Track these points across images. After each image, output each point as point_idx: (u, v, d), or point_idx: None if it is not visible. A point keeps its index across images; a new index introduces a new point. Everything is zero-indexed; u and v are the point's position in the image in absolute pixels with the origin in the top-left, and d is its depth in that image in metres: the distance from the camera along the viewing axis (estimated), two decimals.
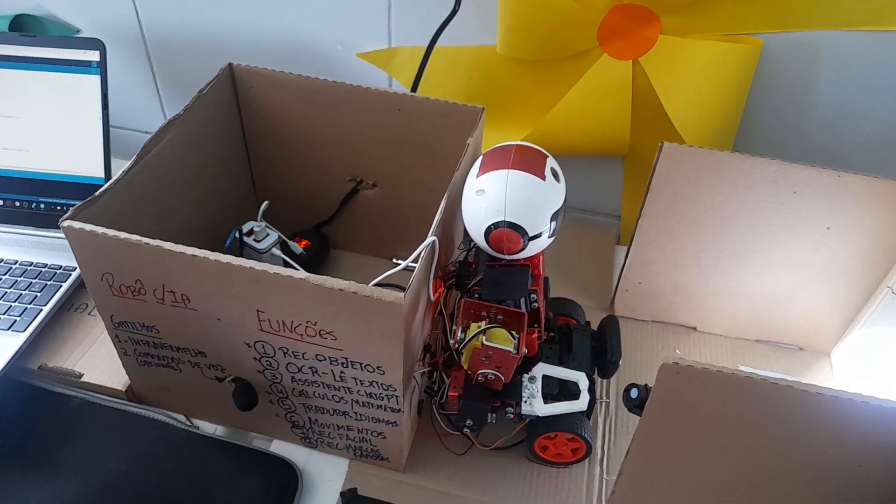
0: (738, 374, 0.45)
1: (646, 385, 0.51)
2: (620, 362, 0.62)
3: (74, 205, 0.54)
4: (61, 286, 0.71)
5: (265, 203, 0.71)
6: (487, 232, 0.52)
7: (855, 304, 0.70)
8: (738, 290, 0.73)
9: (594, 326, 0.67)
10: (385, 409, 0.57)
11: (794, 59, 0.71)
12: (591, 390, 0.59)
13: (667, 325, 0.78)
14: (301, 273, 0.49)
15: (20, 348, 0.65)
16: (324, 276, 0.48)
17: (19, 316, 0.68)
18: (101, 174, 0.76)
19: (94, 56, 0.73)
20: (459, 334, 0.53)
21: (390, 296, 0.48)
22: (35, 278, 0.72)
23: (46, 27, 0.86)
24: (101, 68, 0.73)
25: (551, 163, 0.54)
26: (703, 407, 0.47)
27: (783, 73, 0.72)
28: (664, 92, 0.72)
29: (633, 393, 0.51)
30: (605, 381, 0.71)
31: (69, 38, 0.75)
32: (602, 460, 0.65)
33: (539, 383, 0.57)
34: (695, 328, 0.77)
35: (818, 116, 0.73)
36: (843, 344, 0.73)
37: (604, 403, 0.69)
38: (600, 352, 0.63)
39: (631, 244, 0.72)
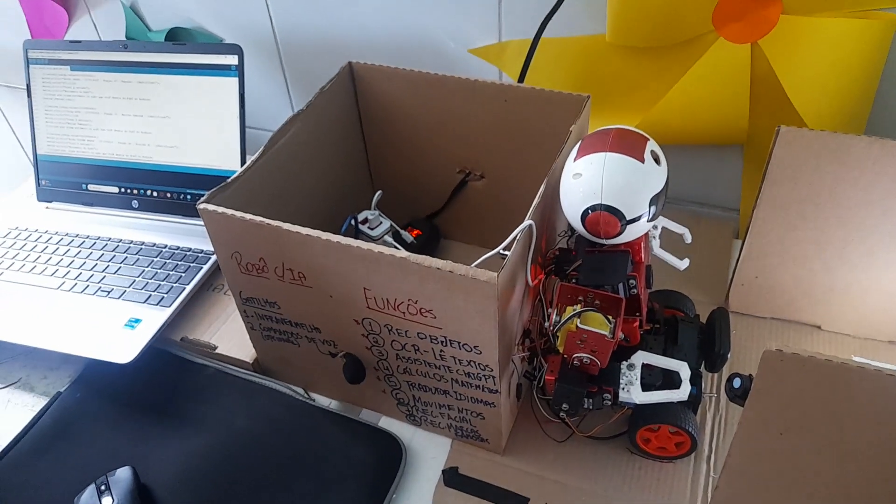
0: (848, 364, 0.42)
1: (749, 375, 0.49)
2: (729, 355, 0.60)
3: None
4: (202, 268, 0.80)
5: (379, 192, 0.76)
6: (584, 215, 0.53)
7: None
8: (869, 285, 0.67)
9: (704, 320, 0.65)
10: (483, 390, 0.59)
11: None
12: (696, 382, 0.57)
13: (787, 323, 0.73)
14: (402, 252, 0.52)
15: (167, 321, 0.74)
16: (423, 256, 0.51)
17: (166, 293, 0.77)
18: (238, 168, 0.83)
19: (233, 60, 0.81)
20: (555, 317, 0.54)
21: (484, 275, 0.49)
22: (180, 261, 0.81)
23: (195, 37, 0.96)
24: (240, 71, 0.81)
25: (652, 145, 0.53)
26: (811, 399, 0.45)
27: None
28: (787, 76, 0.69)
29: (736, 383, 0.49)
30: (714, 376, 0.68)
31: (212, 44, 0.84)
32: (709, 458, 0.63)
33: (638, 371, 0.56)
34: (819, 327, 0.73)
35: None
36: None
37: (713, 399, 0.67)
38: (708, 344, 0.61)
39: (746, 236, 0.69)
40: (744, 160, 0.80)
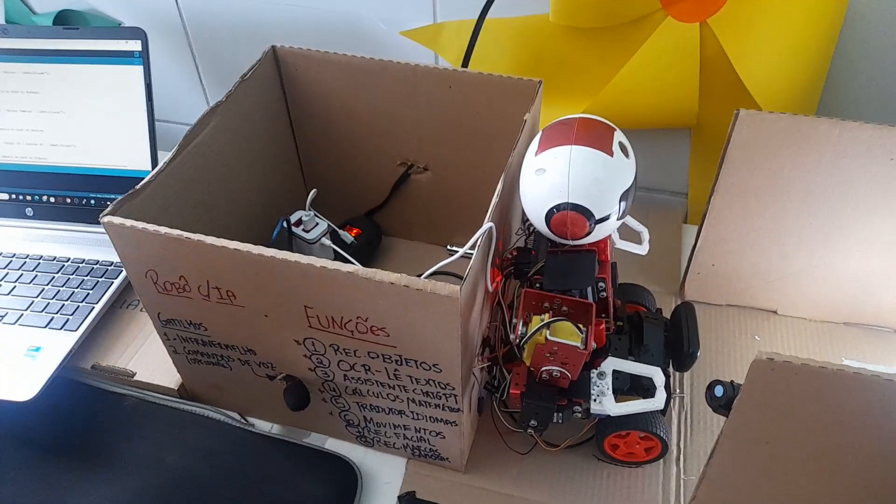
0: (844, 370, 0.39)
1: (732, 382, 0.46)
2: (699, 354, 0.57)
3: None
4: (112, 283, 0.70)
5: (313, 191, 0.69)
6: (549, 215, 0.48)
7: None
8: (825, 270, 0.66)
9: (666, 313, 0.62)
10: (443, 409, 0.54)
11: (886, 10, 0.63)
12: (667, 386, 0.54)
13: (744, 309, 0.72)
14: (349, 266, 0.46)
15: (73, 347, 0.65)
16: (374, 270, 0.45)
17: (72, 315, 0.67)
18: (149, 167, 0.74)
19: (135, 46, 0.71)
20: (521, 328, 0.49)
21: (445, 289, 0.44)
22: (87, 275, 0.71)
23: (88, 20, 0.85)
24: (144, 58, 0.71)
25: (619, 136, 0.49)
26: (802, 408, 0.42)
27: (873, 25, 0.64)
28: (737, 55, 0.66)
29: (718, 391, 0.46)
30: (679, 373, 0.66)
31: (111, 28, 0.74)
32: (678, 459, 0.60)
33: (609, 379, 0.52)
34: (775, 311, 0.71)
35: None
36: None
37: (678, 398, 0.64)
38: (675, 343, 0.58)
39: (703, 224, 0.66)
40: (692, 145, 0.77)
